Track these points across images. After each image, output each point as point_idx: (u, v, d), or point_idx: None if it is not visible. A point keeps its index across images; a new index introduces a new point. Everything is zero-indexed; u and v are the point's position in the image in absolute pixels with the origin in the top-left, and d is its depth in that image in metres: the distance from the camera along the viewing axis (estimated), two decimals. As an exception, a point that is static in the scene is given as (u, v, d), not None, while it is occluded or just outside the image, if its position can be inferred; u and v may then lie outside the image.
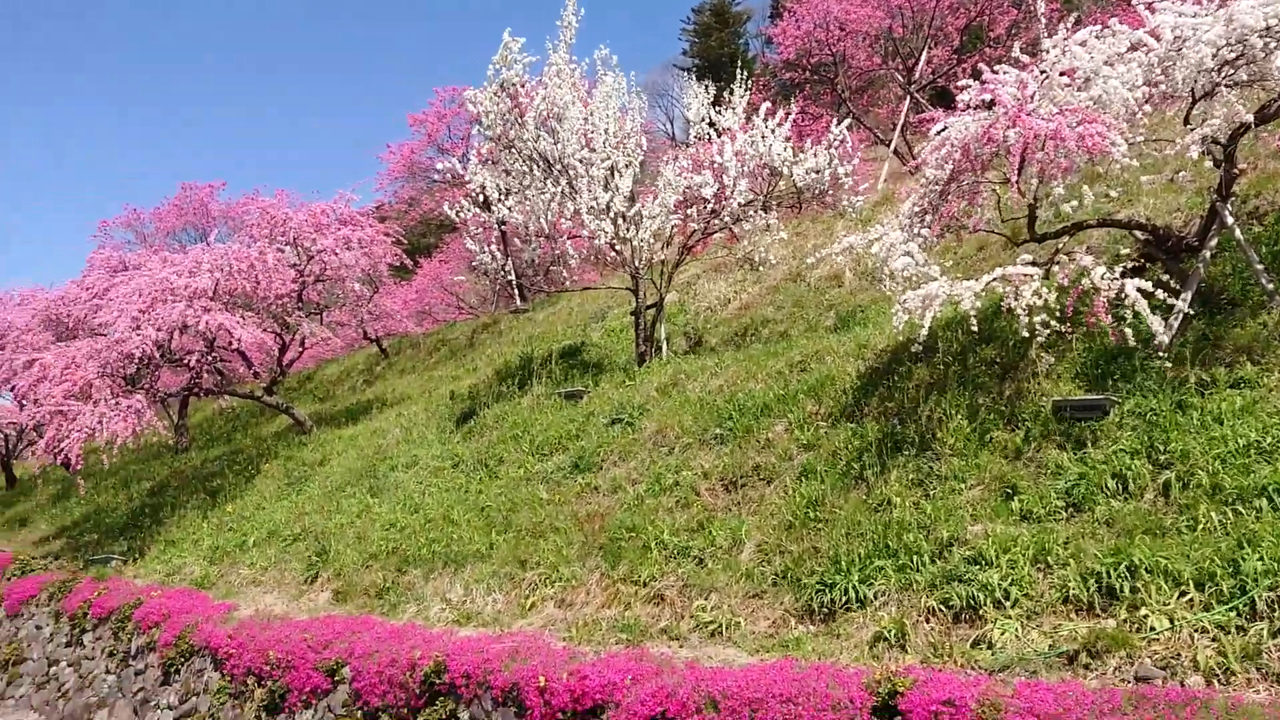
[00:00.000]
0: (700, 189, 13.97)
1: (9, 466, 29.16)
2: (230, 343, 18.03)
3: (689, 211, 14.37)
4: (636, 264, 14.62)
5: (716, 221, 14.54)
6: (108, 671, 13.09)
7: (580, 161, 14.44)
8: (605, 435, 12.69)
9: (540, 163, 15.06)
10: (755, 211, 14.49)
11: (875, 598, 7.54)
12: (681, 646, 8.13)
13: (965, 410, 8.97)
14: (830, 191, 14.16)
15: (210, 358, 18.78)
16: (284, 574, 13.28)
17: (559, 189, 14.72)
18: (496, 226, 17.97)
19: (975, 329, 8.59)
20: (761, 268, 16.17)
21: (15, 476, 29.22)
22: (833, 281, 15.95)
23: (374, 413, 19.60)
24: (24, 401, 20.53)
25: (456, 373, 20.82)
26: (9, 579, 17.01)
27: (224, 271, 17.80)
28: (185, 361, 18.48)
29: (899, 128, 22.50)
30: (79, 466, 17.30)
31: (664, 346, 15.53)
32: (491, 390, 17.03)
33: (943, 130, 9.22)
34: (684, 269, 19.96)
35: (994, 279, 8.27)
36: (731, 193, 13.90)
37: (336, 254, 19.72)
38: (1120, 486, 7.30)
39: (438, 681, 8.58)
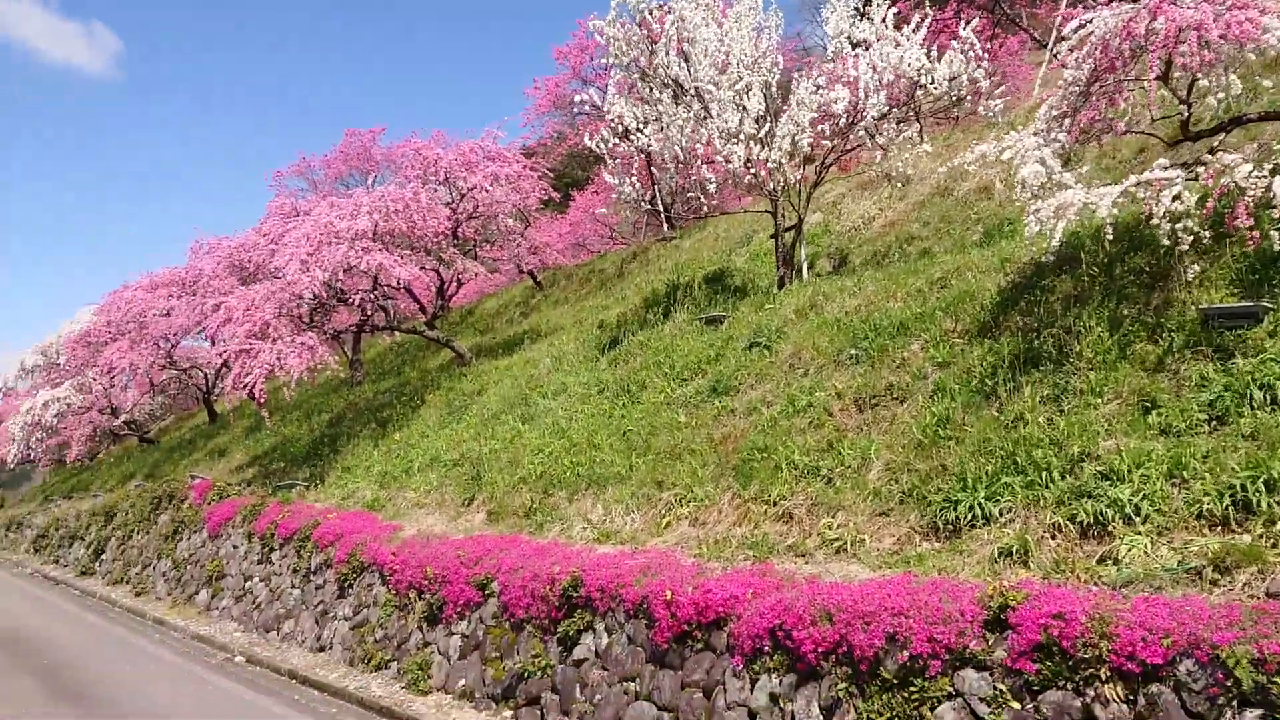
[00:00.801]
0: (832, 105, 13.62)
1: (210, 403, 31.76)
2: (390, 281, 18.93)
3: (822, 129, 14.03)
4: (772, 186, 14.46)
5: (852, 138, 14.15)
6: (292, 586, 14.30)
7: (713, 85, 14.32)
8: (742, 359, 12.77)
9: (673, 88, 15.02)
10: (892, 125, 14.01)
11: (1001, 514, 7.43)
12: (806, 563, 8.26)
13: (1106, 322, 8.59)
14: (970, 98, 13.53)
15: (373, 295, 19.79)
16: (444, 497, 14.09)
17: (691, 114, 14.65)
18: (638, 156, 18.04)
19: (1111, 237, 8.14)
20: (903, 184, 15.67)
21: (216, 412, 31.81)
22: (982, 194, 15.35)
23: (527, 344, 20.27)
24: (214, 341, 22.29)
25: (606, 302, 21.22)
26: (210, 503, 18.67)
27: (381, 213, 18.65)
28: (352, 300, 19.58)
29: (1057, 28, 21.10)
30: (264, 399, 18.69)
31: (804, 268, 15.37)
32: (637, 318, 17.35)
33: (1081, 27, 8.70)
34: (829, 188, 19.60)
35: (1131, 184, 7.81)
36: (865, 107, 13.48)
37: (487, 190, 20.32)
38: (1268, 398, 6.88)
39: (575, 595, 9.01)
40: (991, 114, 13.54)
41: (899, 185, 15.95)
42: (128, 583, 20.15)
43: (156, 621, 16.50)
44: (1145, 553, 6.31)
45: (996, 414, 8.50)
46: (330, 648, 12.60)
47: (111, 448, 37.92)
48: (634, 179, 16.68)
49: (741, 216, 21.12)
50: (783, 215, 14.98)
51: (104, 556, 22.63)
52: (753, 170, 14.21)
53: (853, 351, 11.12)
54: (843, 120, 13.88)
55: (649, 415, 12.76)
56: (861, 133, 13.84)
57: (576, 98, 17.06)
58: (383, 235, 18.94)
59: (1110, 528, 6.68)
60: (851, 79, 13.79)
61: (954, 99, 13.62)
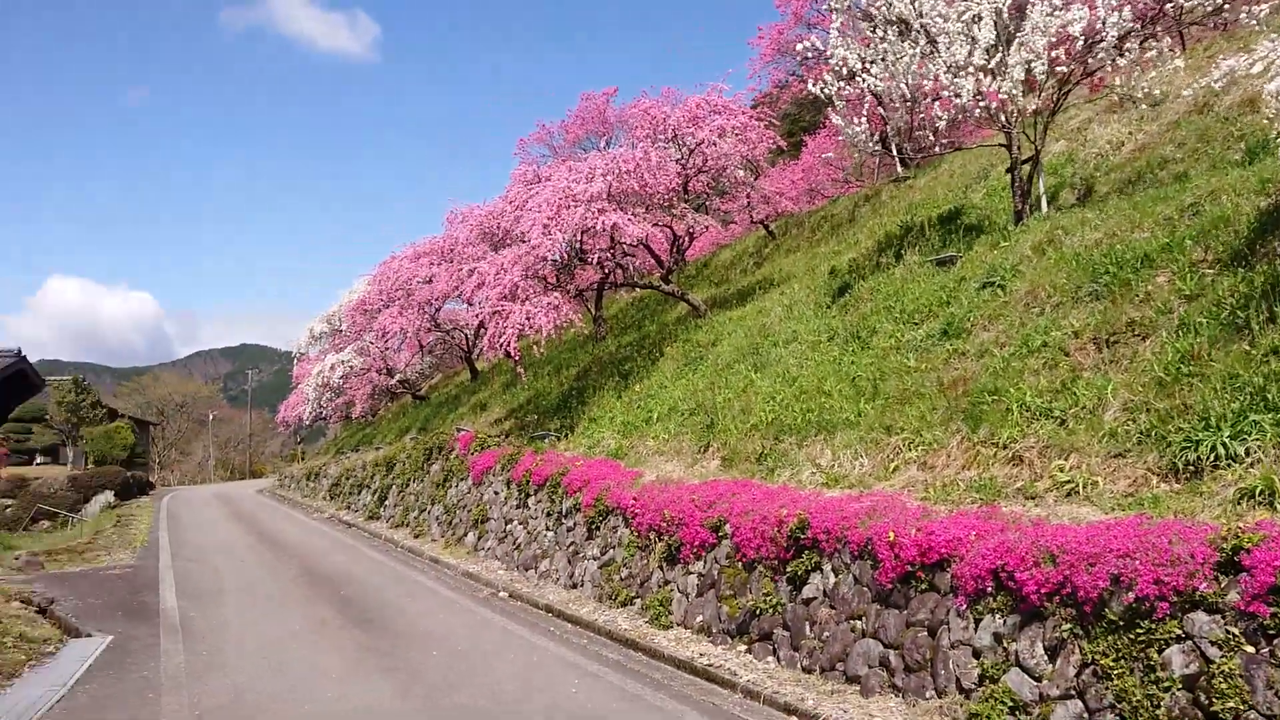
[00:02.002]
0: (1068, 26, 12.84)
1: (471, 361, 34.21)
2: (626, 239, 19.68)
3: (1058, 54, 13.25)
4: (1004, 118, 13.88)
5: (1091, 61, 13.29)
6: (547, 529, 15.43)
7: (939, 16, 13.88)
8: (975, 300, 12.49)
9: (898, 25, 14.68)
10: (1138, 42, 13.02)
11: (1246, 454, 7.02)
12: (1036, 506, 8.13)
13: (1379, 243, 7.81)
14: (1229, 5, 12.37)
15: (611, 254, 20.65)
16: (681, 444, 14.70)
17: (918, 50, 14.28)
18: (866, 96, 17.73)
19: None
20: (1155, 104, 14.53)
21: (477, 370, 34.24)
22: (1246, 108, 14.02)
23: (759, 293, 20.52)
24: (471, 304, 24.01)
25: (837, 248, 21.07)
26: (473, 454, 20.33)
27: (614, 174, 19.39)
28: (591, 260, 20.52)
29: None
30: (517, 357, 20.04)
31: (1043, 201, 14.67)
32: (868, 262, 17.21)
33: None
34: (1074, 114, 18.48)
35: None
36: (1105, 25, 12.62)
37: (714, 144, 20.63)
38: None
39: (802, 536, 9.31)
40: (1255, 21, 12.33)
41: (1149, 106, 14.81)
42: (407, 525, 22.32)
43: (432, 560, 18.25)
44: None
45: (1247, 348, 7.97)
46: (581, 585, 13.56)
47: (390, 404, 41.69)
48: (862, 121, 16.42)
49: (978, 151, 20.30)
50: (1018, 147, 14.35)
51: (387, 502, 25.13)
52: (983, 103, 13.68)
53: (1092, 287, 10.64)
54: (1080, 43, 13.07)
55: (878, 360, 12.76)
56: (1101, 54, 12.97)
57: (798, 45, 16.91)
58: (616, 195, 19.70)
59: (1372, 467, 6.20)
60: (1089, -4, 12.96)
61: (1210, 8, 12.49)
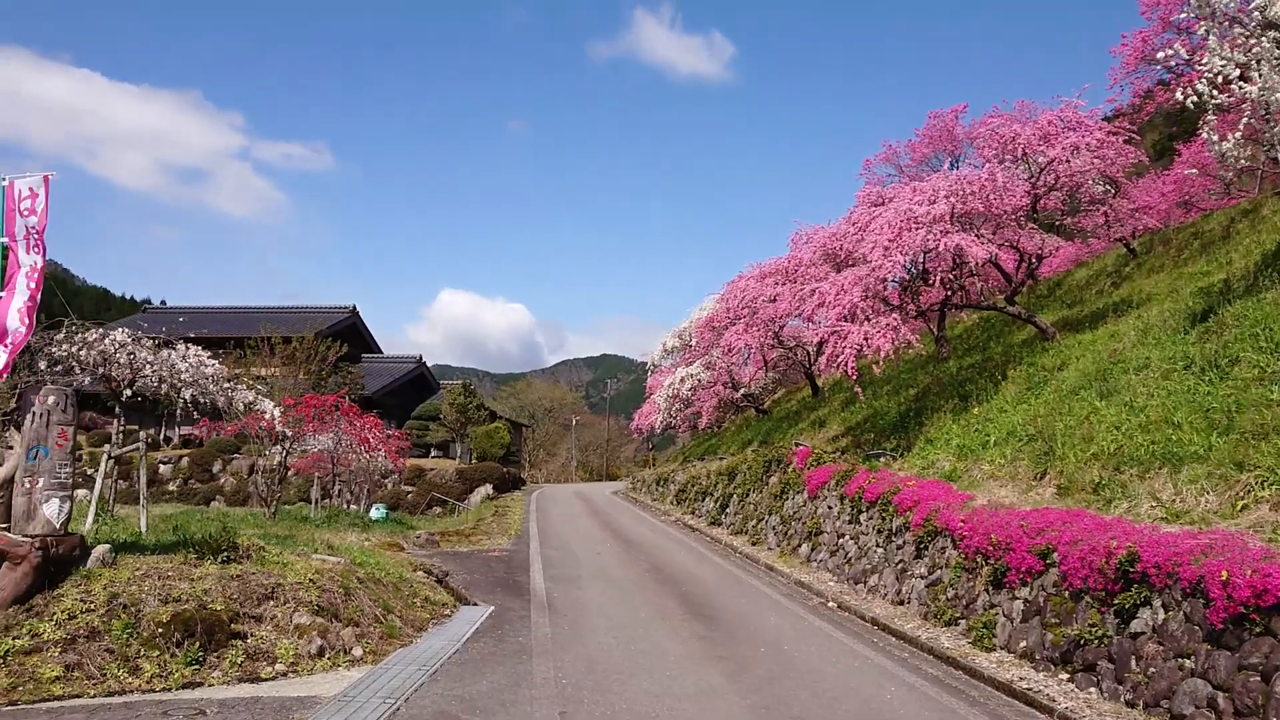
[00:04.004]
0: None
1: (812, 378, 34.97)
2: (969, 260, 19.56)
3: None
4: (1404, 127, 12.49)
5: None
6: (876, 545, 15.84)
7: (1323, 20, 12.78)
8: (1357, 329, 11.43)
9: (1274, 30, 13.64)
10: None
11: None
12: (1400, 556, 7.56)
13: None
14: None
15: (953, 275, 20.57)
16: (1016, 470, 14.56)
17: (1297, 57, 13.21)
18: (1240, 105, 16.36)
19: None
20: None
21: (818, 386, 34.93)
22: None
23: (1113, 316, 19.53)
24: (810, 323, 24.80)
25: (1206, 268, 19.57)
26: (809, 468, 21.08)
27: (958, 196, 19.38)
28: (934, 281, 20.57)
29: None
30: (855, 376, 20.55)
31: None
32: (1239, 284, 16.01)
33: None
34: None
35: None
36: None
37: (1068, 162, 19.93)
38: None
39: (1130, 570, 9.17)
40: None
41: None
42: (745, 533, 23.49)
43: (767, 567, 19.22)
44: None
45: None
46: (908, 602, 13.88)
47: (734, 417, 43.46)
48: (1230, 135, 15.30)
49: (1385, 158, 18.05)
50: None
51: (727, 510, 26.51)
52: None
53: None
54: None
55: (1236, 392, 12.00)
56: None
57: (1159, 54, 15.98)
58: (960, 217, 19.65)
59: None
60: None
61: None
